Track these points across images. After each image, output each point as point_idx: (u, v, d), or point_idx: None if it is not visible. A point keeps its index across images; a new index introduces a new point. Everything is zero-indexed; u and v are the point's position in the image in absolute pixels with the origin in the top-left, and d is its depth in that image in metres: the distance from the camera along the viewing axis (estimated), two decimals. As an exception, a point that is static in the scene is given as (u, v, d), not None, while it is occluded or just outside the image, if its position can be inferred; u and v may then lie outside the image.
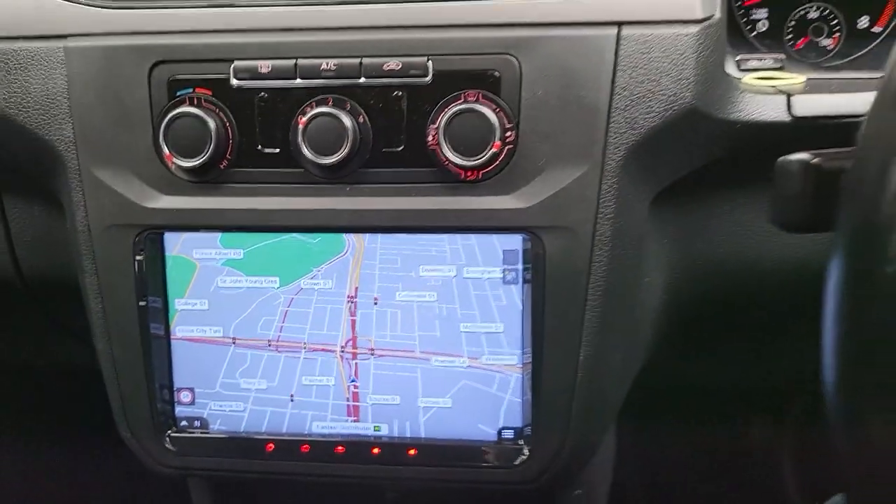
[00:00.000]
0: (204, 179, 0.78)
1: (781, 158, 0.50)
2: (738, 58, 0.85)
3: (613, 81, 0.72)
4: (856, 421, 0.41)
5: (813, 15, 0.88)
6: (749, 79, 0.81)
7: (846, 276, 0.41)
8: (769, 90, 0.77)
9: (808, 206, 0.49)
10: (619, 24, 0.72)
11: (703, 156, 0.76)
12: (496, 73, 0.73)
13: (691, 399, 1.31)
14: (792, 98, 0.75)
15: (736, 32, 0.89)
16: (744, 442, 1.40)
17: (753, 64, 0.84)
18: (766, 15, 0.90)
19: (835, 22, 0.88)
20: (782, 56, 0.85)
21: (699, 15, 0.72)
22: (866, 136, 0.44)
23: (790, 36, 0.89)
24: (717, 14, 0.73)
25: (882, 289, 0.39)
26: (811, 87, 0.80)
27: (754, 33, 0.90)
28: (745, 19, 0.89)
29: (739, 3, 0.90)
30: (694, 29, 0.71)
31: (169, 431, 0.83)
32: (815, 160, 0.49)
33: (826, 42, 0.89)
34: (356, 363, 0.80)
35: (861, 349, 0.41)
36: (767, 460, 1.40)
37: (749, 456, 1.41)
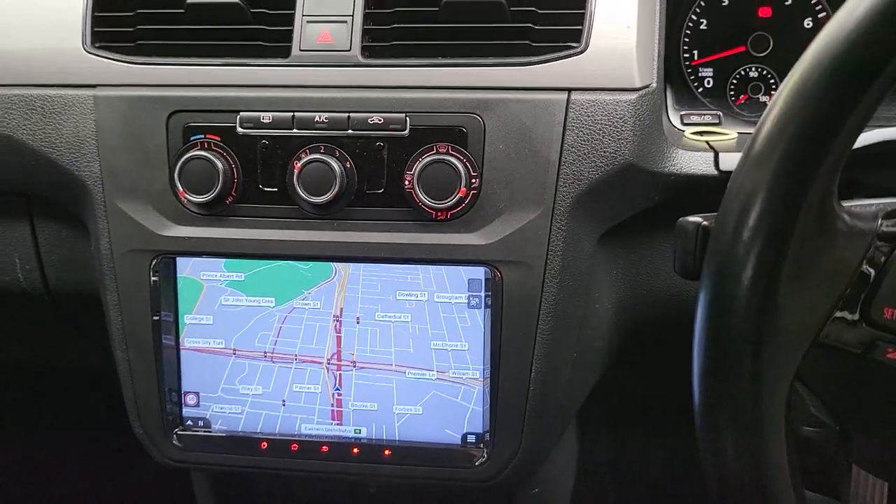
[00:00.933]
0: (212, 213, 0.85)
1: (680, 219, 0.57)
2: (682, 113, 0.94)
3: (563, 139, 0.80)
4: (713, 432, 0.50)
5: (753, 74, 0.98)
6: (688, 133, 0.91)
7: (706, 314, 0.50)
8: (702, 146, 0.86)
9: (699, 259, 0.58)
10: (569, 90, 0.80)
11: (642, 202, 0.85)
12: (463, 129, 0.81)
13: (662, 408, 1.39)
14: (720, 154, 0.83)
15: (685, 89, 0.99)
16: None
17: (694, 119, 0.93)
18: (711, 73, 0.99)
19: (772, 81, 0.99)
20: (719, 113, 0.94)
21: (637, 84, 0.81)
22: (727, 195, 0.50)
23: (732, 92, 0.99)
24: (654, 84, 0.82)
25: (730, 324, 0.49)
26: (741, 144, 0.90)
27: (701, 90, 1.00)
28: (692, 77, 1.00)
29: (688, 63, 1.00)
30: (633, 96, 0.80)
31: (176, 429, 0.90)
32: (705, 222, 0.57)
33: (764, 98, 0.99)
34: (340, 374, 0.87)
35: (716, 374, 0.50)
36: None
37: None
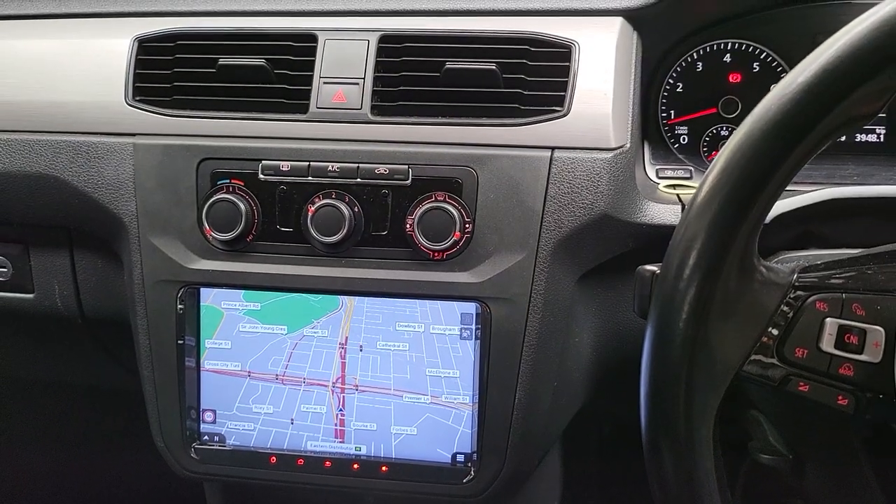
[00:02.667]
0: (234, 249, 0.92)
1: (639, 268, 0.65)
2: (657, 167, 1.04)
3: (546, 191, 0.88)
4: (654, 449, 0.59)
5: (724, 133, 1.07)
6: (662, 186, 1.00)
7: (650, 347, 0.57)
8: (672, 198, 0.95)
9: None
10: (553, 148, 0.89)
11: (617, 247, 0.93)
12: (459, 180, 0.89)
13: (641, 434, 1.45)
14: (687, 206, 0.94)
15: (662, 145, 1.08)
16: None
17: (668, 173, 1.02)
18: (686, 132, 1.08)
19: (740, 140, 1.09)
20: (691, 168, 1.03)
21: (613, 144, 0.90)
22: (672, 241, 0.58)
23: (705, 149, 1.08)
24: (628, 144, 0.91)
25: (668, 356, 0.56)
26: None
27: (677, 146, 1.10)
28: (669, 134, 1.10)
29: (665, 122, 1.10)
30: (608, 155, 0.89)
31: (194, 444, 0.96)
32: (658, 270, 0.65)
33: (733, 155, 1.09)
34: (343, 396, 0.94)
35: (656, 399, 0.59)
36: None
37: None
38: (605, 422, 1.52)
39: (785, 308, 0.58)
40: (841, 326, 0.57)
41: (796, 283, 0.59)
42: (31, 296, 1.08)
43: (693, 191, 0.99)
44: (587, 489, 1.51)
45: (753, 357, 0.57)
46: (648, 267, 0.65)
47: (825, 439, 0.77)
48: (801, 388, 0.57)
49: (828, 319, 0.57)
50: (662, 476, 0.58)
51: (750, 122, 0.54)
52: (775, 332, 0.58)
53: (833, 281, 0.59)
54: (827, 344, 0.57)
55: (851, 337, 0.56)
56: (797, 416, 0.89)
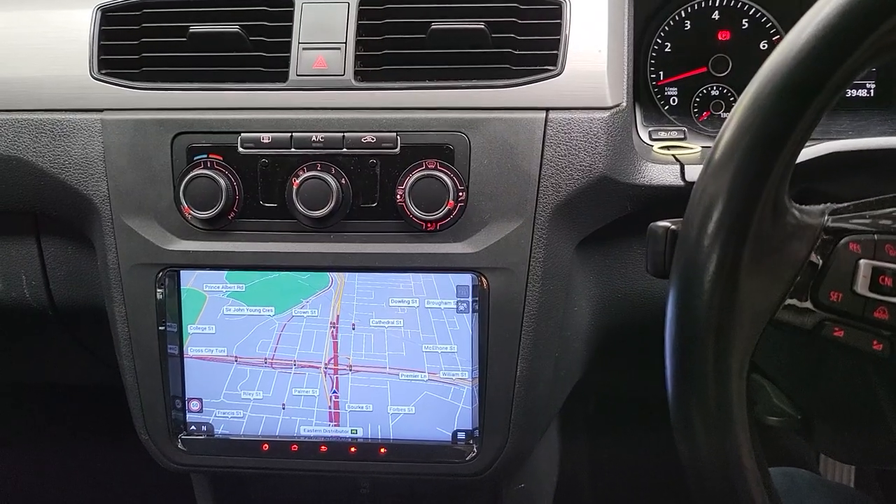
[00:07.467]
0: (215, 228, 0.89)
1: (651, 224, 0.63)
2: (650, 129, 1.01)
3: (542, 154, 0.85)
4: (683, 408, 0.56)
5: (714, 93, 1.05)
6: (656, 148, 0.98)
7: (675, 304, 0.54)
8: (669, 159, 0.93)
9: (669, 259, 0.61)
10: (547, 109, 0.86)
11: (616, 211, 0.90)
12: (451, 147, 0.86)
13: (638, 408, 1.44)
14: (685, 166, 0.90)
15: (652, 107, 1.06)
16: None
17: (661, 135, 1.00)
18: (676, 92, 1.06)
19: (731, 99, 1.06)
20: (684, 129, 1.01)
21: (609, 103, 0.87)
22: (691, 200, 0.55)
23: (695, 110, 1.06)
24: (624, 102, 0.88)
25: (697, 310, 0.53)
26: (704, 157, 0.97)
27: (667, 107, 1.08)
28: (659, 96, 1.08)
29: (654, 83, 1.08)
30: (605, 114, 0.87)
31: (181, 434, 0.93)
32: (674, 227, 0.61)
33: (724, 115, 1.06)
34: (337, 377, 0.91)
35: (684, 356, 0.56)
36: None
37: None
38: (592, 398, 1.51)
39: (818, 251, 0.55)
40: (875, 268, 0.54)
41: (828, 225, 0.56)
42: (-4, 288, 1.02)
43: (690, 151, 0.98)
44: (580, 466, 1.50)
45: (787, 302, 0.55)
46: (661, 223, 0.62)
47: (837, 392, 0.75)
48: (835, 334, 0.55)
49: (861, 261, 0.55)
50: (692, 437, 0.55)
51: (781, 50, 0.51)
52: (810, 275, 0.55)
53: (864, 221, 0.56)
54: (861, 287, 0.55)
55: (885, 279, 0.54)
56: (804, 370, 0.87)
